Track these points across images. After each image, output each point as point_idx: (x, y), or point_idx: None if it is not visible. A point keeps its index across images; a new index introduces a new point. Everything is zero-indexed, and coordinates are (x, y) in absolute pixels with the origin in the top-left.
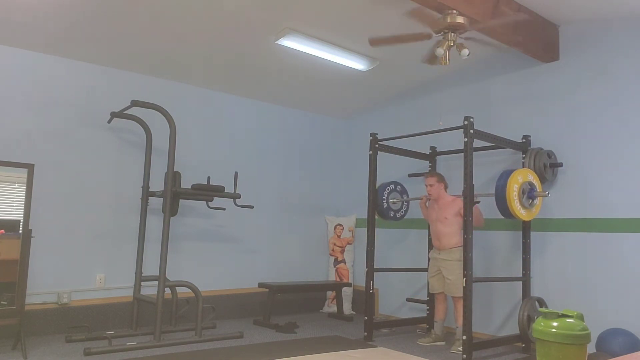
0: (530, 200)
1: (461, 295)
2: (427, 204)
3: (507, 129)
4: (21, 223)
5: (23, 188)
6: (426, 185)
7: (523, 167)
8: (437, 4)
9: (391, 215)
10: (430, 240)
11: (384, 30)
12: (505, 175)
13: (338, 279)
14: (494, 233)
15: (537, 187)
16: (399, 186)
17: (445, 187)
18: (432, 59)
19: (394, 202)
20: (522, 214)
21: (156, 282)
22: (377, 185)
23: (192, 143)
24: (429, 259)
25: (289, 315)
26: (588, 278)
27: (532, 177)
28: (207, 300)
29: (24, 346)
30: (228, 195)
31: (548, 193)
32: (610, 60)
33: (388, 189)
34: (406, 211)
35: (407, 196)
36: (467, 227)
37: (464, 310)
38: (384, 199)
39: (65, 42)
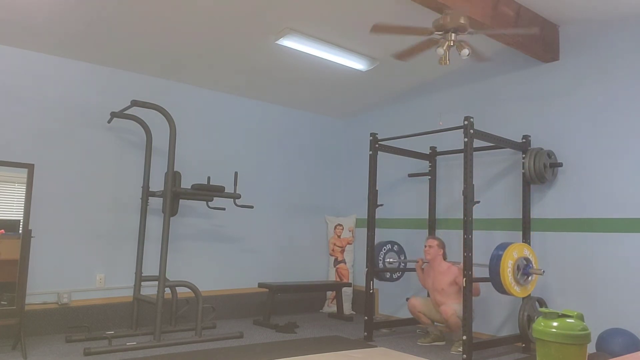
0: (526, 277)
1: (450, 308)
2: (422, 266)
3: (507, 129)
4: (21, 223)
5: (23, 188)
6: (425, 246)
7: (523, 167)
8: (437, 4)
9: (387, 276)
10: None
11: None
12: (497, 257)
13: (338, 279)
14: (494, 233)
15: (533, 263)
16: (395, 246)
17: (444, 256)
18: (405, 54)
19: (390, 263)
20: (516, 290)
21: (156, 282)
22: (375, 243)
23: (192, 143)
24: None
25: (289, 315)
26: (588, 278)
27: (528, 252)
28: (207, 300)
29: (24, 346)
30: (228, 195)
31: (543, 271)
32: (610, 60)
33: (385, 249)
34: (402, 274)
35: (405, 256)
36: (467, 227)
37: (464, 310)
38: (380, 260)
39: (66, 43)
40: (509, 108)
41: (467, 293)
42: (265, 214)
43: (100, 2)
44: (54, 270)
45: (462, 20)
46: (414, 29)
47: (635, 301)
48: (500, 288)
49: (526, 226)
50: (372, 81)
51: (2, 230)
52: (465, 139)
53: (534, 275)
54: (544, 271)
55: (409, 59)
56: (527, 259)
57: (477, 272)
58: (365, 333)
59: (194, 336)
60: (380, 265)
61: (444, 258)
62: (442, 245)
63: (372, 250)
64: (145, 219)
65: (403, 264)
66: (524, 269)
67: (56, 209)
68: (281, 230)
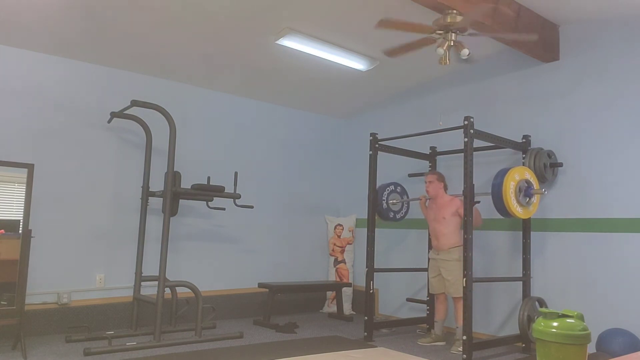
0: (528, 199)
1: (460, 295)
2: (426, 203)
3: (507, 129)
4: (21, 223)
5: (23, 188)
6: (425, 183)
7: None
8: (437, 4)
9: (391, 216)
10: (429, 241)
11: (384, 30)
12: (502, 174)
13: (338, 279)
14: (493, 233)
15: (535, 185)
16: (399, 187)
17: (445, 188)
18: (398, 52)
19: (393, 203)
20: (519, 211)
21: (156, 282)
22: (377, 186)
23: (192, 143)
24: (428, 259)
25: (289, 315)
26: (588, 278)
27: (529, 175)
28: (207, 300)
29: (24, 346)
30: (228, 195)
31: (545, 191)
32: (610, 60)
33: (388, 190)
34: (406, 212)
35: (407, 197)
36: (467, 227)
37: (464, 310)
38: (384, 200)
39: (66, 43)
40: (509, 108)
41: (468, 293)
42: (265, 214)
43: (100, 2)
44: (54, 270)
45: (460, 20)
46: (418, 25)
47: (635, 301)
48: (503, 210)
49: (526, 226)
50: (372, 81)
51: (2, 230)
52: (465, 139)
53: (535, 196)
54: (545, 190)
55: (400, 55)
56: (528, 182)
57: (481, 204)
58: (365, 333)
59: (194, 336)
60: (384, 206)
61: (445, 190)
62: (441, 179)
63: (372, 250)
64: (145, 219)
65: (406, 205)
66: (526, 191)
67: (56, 209)
68: (281, 230)
